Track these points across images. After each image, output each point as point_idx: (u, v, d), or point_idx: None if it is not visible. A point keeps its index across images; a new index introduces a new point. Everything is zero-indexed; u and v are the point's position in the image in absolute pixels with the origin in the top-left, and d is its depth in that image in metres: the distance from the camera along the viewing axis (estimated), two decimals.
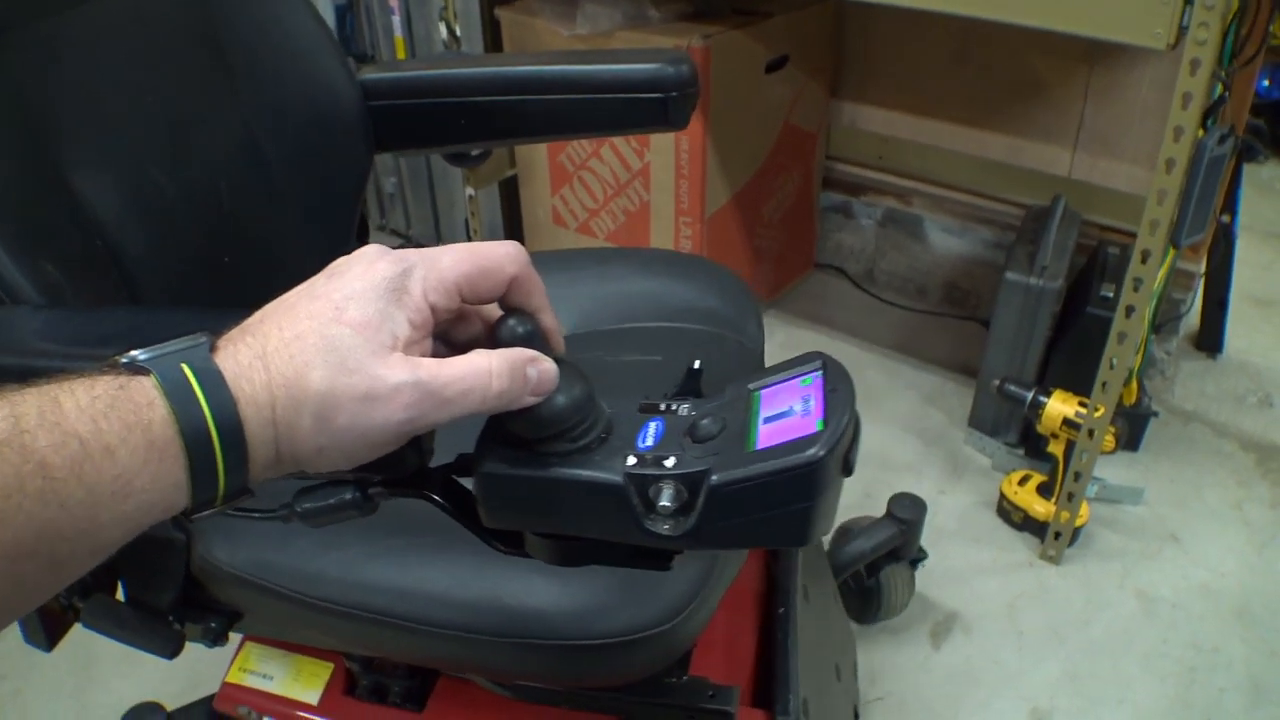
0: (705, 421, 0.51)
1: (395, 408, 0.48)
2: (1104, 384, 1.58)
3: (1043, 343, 1.90)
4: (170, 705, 1.29)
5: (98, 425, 0.43)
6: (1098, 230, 2.14)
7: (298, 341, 0.48)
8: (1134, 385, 1.93)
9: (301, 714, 1.16)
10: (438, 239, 2.77)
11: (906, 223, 2.50)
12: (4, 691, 1.68)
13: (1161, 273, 1.46)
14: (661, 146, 2.11)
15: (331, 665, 1.17)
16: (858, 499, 1.88)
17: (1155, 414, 2.01)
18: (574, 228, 2.43)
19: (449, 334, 0.56)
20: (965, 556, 1.78)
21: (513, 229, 2.62)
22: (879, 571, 1.57)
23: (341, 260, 0.53)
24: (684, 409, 0.53)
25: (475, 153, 1.40)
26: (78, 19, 0.97)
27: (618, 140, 2.18)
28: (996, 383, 1.81)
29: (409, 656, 1.00)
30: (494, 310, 0.56)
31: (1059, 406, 1.72)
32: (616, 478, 0.49)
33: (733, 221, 2.26)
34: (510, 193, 2.57)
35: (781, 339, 2.42)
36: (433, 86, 1.21)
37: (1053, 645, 1.63)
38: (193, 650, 1.00)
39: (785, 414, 0.50)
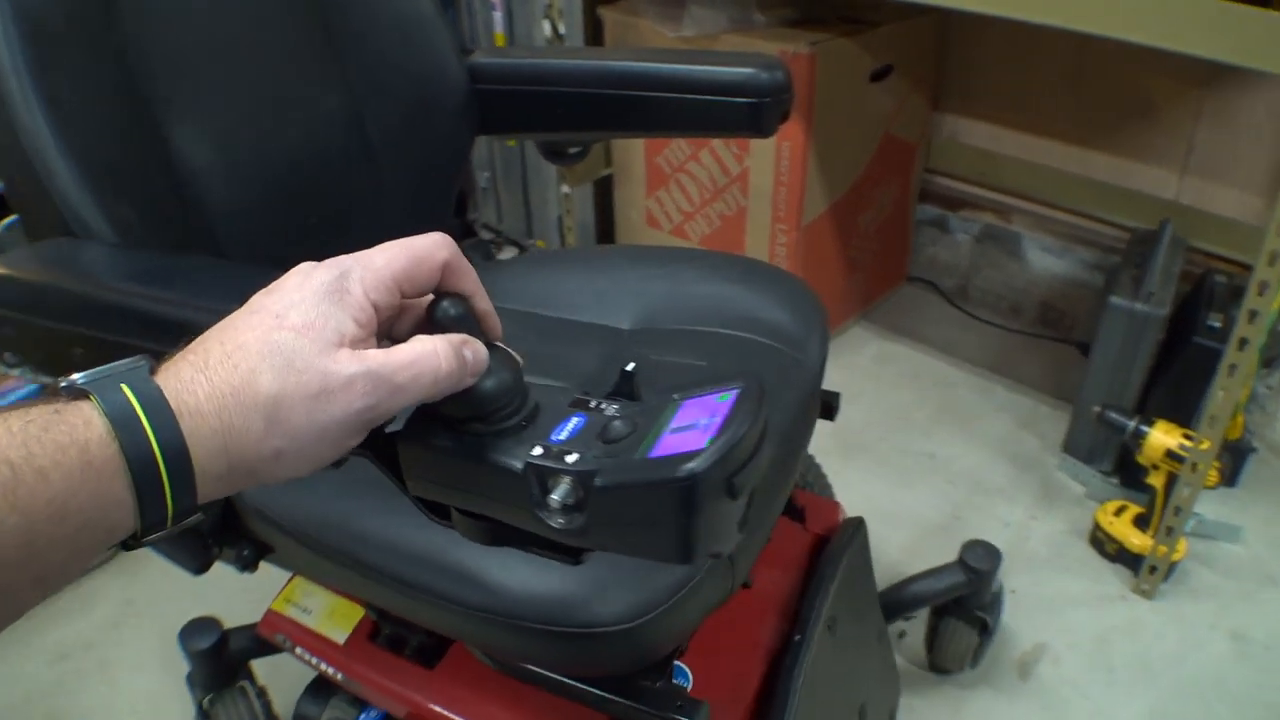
0: (618, 423, 0.51)
1: (351, 399, 0.48)
2: (1211, 417, 1.53)
3: (1144, 371, 1.85)
4: None
5: (29, 450, 0.42)
6: (1203, 257, 2.08)
7: (240, 351, 0.48)
8: (1239, 419, 1.87)
9: (327, 650, 1.22)
10: (529, 236, 2.77)
11: (1004, 240, 2.45)
12: (90, 661, 1.71)
13: (1275, 304, 1.41)
14: (762, 152, 2.09)
15: (362, 611, 1.22)
16: (946, 519, 1.85)
17: (1255, 450, 1.95)
18: (668, 230, 2.42)
19: (391, 332, 0.56)
20: (1056, 586, 1.74)
21: (606, 229, 2.62)
22: (941, 619, 1.52)
23: (277, 280, 0.53)
24: (610, 409, 0.53)
25: (573, 150, 1.41)
26: None
27: (717, 144, 2.16)
28: (1097, 409, 1.76)
29: (404, 614, 1.02)
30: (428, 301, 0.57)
31: (1162, 437, 1.67)
32: (518, 465, 0.50)
33: (829, 231, 2.23)
34: (605, 193, 2.57)
35: (873, 352, 2.39)
36: (536, 75, 1.25)
37: (1143, 682, 1.58)
38: None
39: (690, 427, 0.49)
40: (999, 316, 2.51)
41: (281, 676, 1.34)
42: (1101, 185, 2.24)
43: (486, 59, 1.28)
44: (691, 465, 0.46)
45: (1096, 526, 1.80)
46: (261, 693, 1.41)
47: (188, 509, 0.47)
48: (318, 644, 1.24)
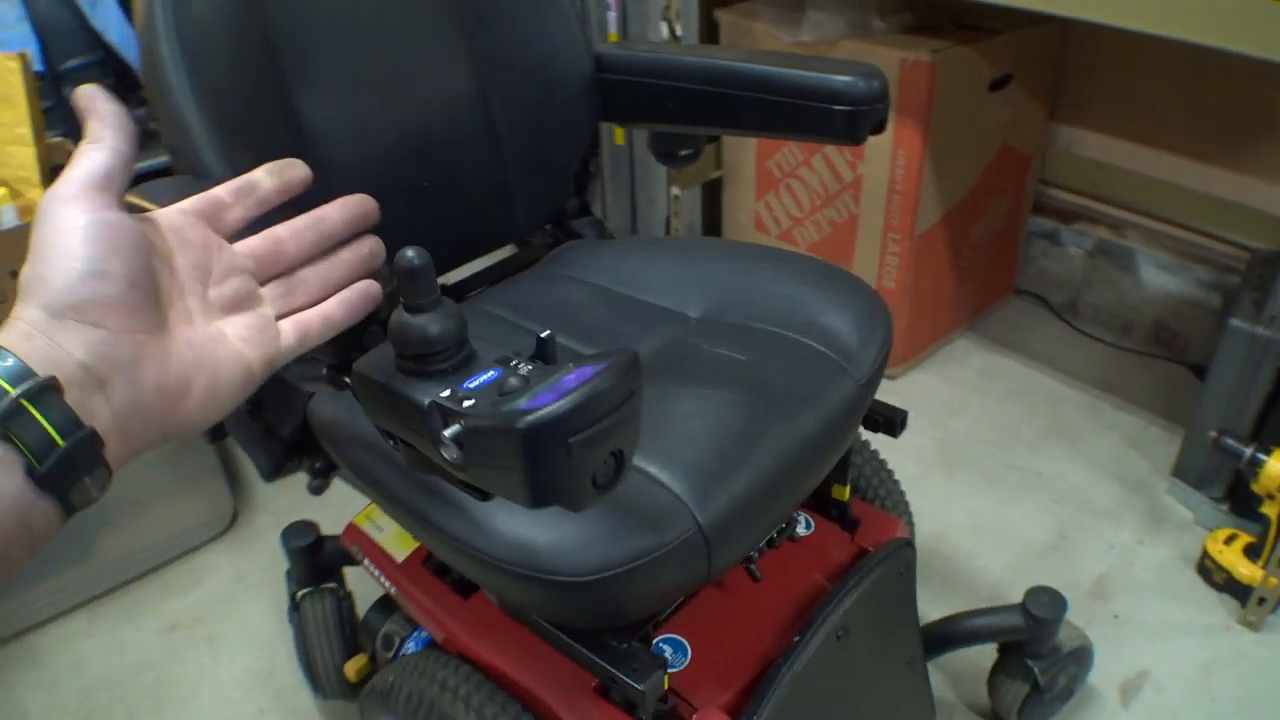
0: (513, 380, 0.56)
1: None
2: None
3: (1263, 397, 1.80)
4: None
5: None
6: None
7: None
8: None
9: (387, 566, 1.34)
10: (633, 234, 2.79)
11: (1118, 255, 2.40)
12: (199, 634, 1.78)
13: None
14: (877, 160, 2.08)
15: None
16: (1053, 539, 1.83)
17: None
18: (775, 234, 2.42)
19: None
20: (1160, 612, 1.71)
21: (712, 232, 2.63)
22: (997, 663, 1.49)
23: None
24: (524, 369, 0.58)
25: (684, 153, 1.43)
26: None
27: (830, 150, 2.15)
28: (1212, 434, 1.72)
29: (426, 544, 1.10)
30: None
31: None
32: (424, 401, 0.56)
33: (941, 241, 2.21)
34: (712, 196, 2.58)
35: (979, 364, 2.37)
36: (655, 68, 1.30)
37: (1245, 715, 1.54)
38: None
39: (558, 389, 0.54)
40: (1110, 334, 2.47)
41: (370, 589, 1.43)
42: (1221, 202, 2.18)
43: (612, 50, 1.35)
44: (528, 419, 0.51)
45: (1205, 554, 1.77)
46: (346, 596, 1.54)
47: (71, 422, 0.46)
48: (381, 559, 1.35)
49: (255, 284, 0.59)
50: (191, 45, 1.00)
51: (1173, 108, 2.18)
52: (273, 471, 1.19)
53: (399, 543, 1.36)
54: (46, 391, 0.45)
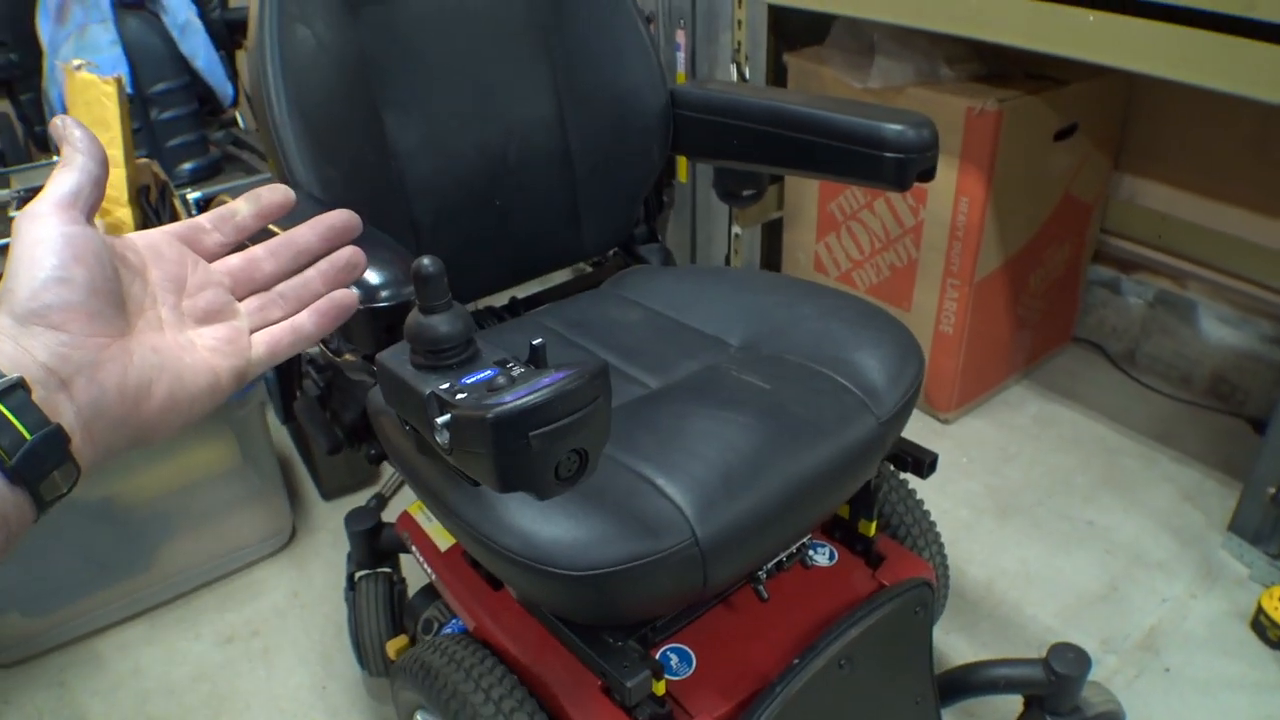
0: (503, 379, 0.62)
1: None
2: None
3: None
4: None
5: None
6: None
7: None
8: None
9: (430, 554, 1.40)
10: None
11: (1179, 306, 2.39)
12: (255, 647, 1.81)
13: None
14: (939, 205, 2.09)
15: None
16: (1104, 589, 1.83)
17: None
18: (834, 276, 2.44)
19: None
20: (1212, 668, 1.70)
21: (771, 270, 2.64)
22: (1024, 715, 1.44)
23: None
24: (516, 370, 0.64)
25: (747, 193, 1.47)
26: (416, 3, 1.26)
27: (894, 195, 2.17)
28: (1271, 490, 1.72)
29: (450, 530, 1.12)
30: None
31: None
32: (424, 390, 0.62)
33: (1000, 287, 2.22)
34: (772, 236, 2.60)
35: (1033, 412, 2.36)
36: (726, 107, 1.37)
37: None
38: None
39: (533, 389, 0.59)
40: (1168, 385, 2.45)
41: (423, 578, 1.47)
42: None
43: (687, 88, 1.43)
44: (495, 411, 0.57)
45: (1260, 611, 1.75)
46: (400, 581, 1.62)
47: (38, 418, 0.48)
48: (427, 547, 1.41)
49: (230, 298, 0.62)
50: (292, 66, 1.11)
51: (1238, 161, 2.17)
52: (332, 450, 1.29)
53: (443, 533, 1.41)
54: (14, 390, 0.47)
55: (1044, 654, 1.35)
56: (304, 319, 0.64)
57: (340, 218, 0.65)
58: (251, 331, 0.62)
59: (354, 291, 0.66)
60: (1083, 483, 2.12)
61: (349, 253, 0.65)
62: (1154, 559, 1.91)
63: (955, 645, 1.72)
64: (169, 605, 1.91)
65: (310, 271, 0.65)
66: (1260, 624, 1.75)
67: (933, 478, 1.33)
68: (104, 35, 2.03)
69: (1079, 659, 1.36)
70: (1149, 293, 2.45)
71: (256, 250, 0.64)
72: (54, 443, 0.48)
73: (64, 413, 0.50)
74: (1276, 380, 2.22)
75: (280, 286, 0.64)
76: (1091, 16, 1.58)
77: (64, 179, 0.54)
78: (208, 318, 0.60)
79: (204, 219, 0.63)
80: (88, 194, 0.54)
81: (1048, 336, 2.53)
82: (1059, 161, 2.17)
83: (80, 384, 0.50)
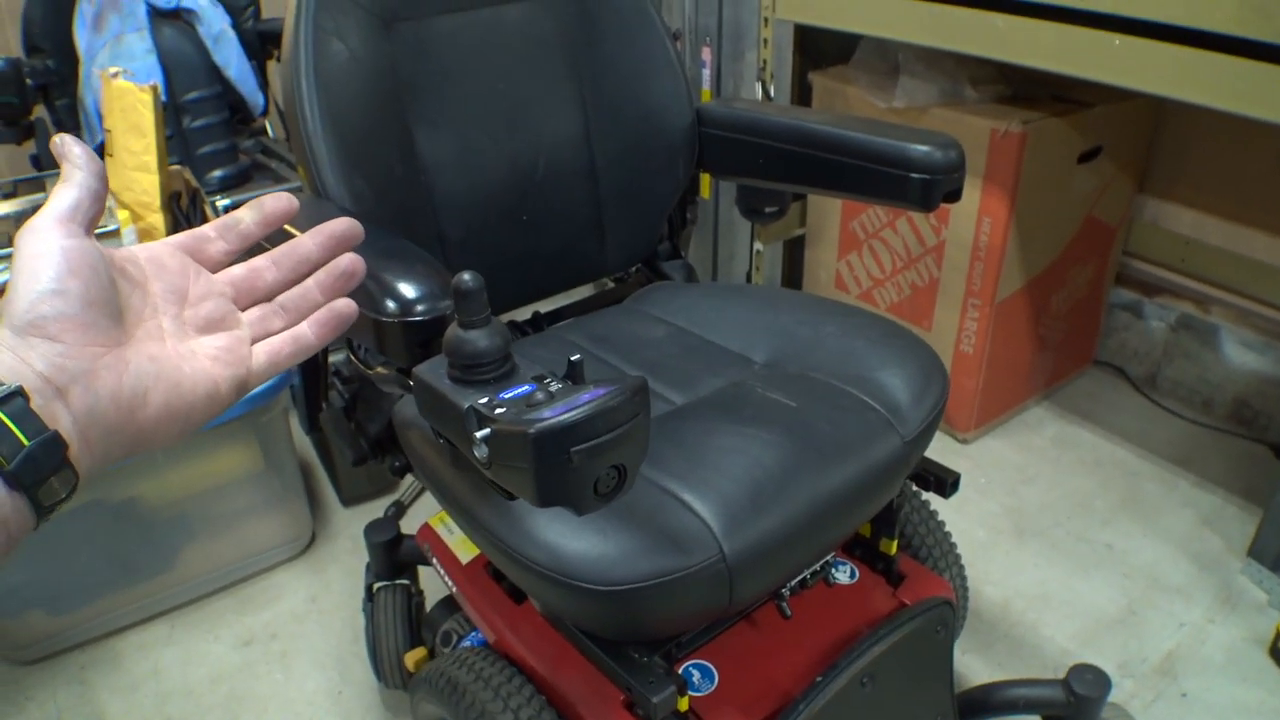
0: (541, 395, 0.63)
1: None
2: None
3: None
4: None
5: None
6: None
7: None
8: None
9: (452, 567, 1.40)
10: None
11: (1201, 331, 2.39)
12: (273, 651, 1.82)
13: None
14: (961, 225, 2.10)
15: None
16: (1121, 613, 1.82)
17: None
18: (855, 294, 2.45)
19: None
20: (1230, 694, 1.69)
21: (791, 288, 2.65)
22: None
23: None
24: (554, 386, 0.65)
25: (769, 210, 1.48)
26: (448, 20, 1.29)
27: (916, 214, 2.18)
28: None
29: (477, 544, 1.14)
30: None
31: None
32: (463, 404, 0.63)
33: (1022, 309, 2.22)
34: (794, 253, 2.61)
35: (1052, 434, 2.36)
36: (751, 126, 1.38)
37: None
38: None
39: (572, 405, 0.60)
40: (1189, 409, 2.45)
41: (441, 590, 1.50)
42: None
43: (712, 106, 1.44)
44: (537, 426, 0.58)
45: (1278, 637, 1.74)
46: (418, 593, 1.64)
47: (36, 425, 0.49)
48: (448, 559, 1.42)
49: (232, 307, 0.63)
50: (326, 79, 1.14)
51: (1263, 185, 2.17)
52: (357, 461, 1.29)
53: (465, 546, 1.42)
54: (13, 398, 0.49)
55: (1063, 675, 1.35)
56: (304, 329, 0.64)
57: (341, 226, 0.66)
58: (253, 341, 0.63)
59: (353, 302, 0.66)
60: (1101, 506, 2.11)
61: (347, 261, 0.66)
62: (1172, 583, 1.91)
63: (971, 665, 1.72)
64: (189, 606, 1.92)
65: (309, 281, 0.65)
66: (1278, 650, 1.74)
67: (950, 498, 1.33)
68: (139, 44, 2.06)
69: (1099, 680, 1.36)
70: (1171, 316, 2.44)
71: (259, 260, 0.65)
72: (52, 449, 0.49)
73: (61, 420, 0.51)
74: None
75: (281, 297, 0.65)
76: (1117, 40, 1.59)
77: (64, 194, 0.55)
78: (209, 327, 0.61)
79: (209, 228, 0.64)
80: (87, 208, 0.55)
81: (1069, 358, 2.52)
82: (1083, 184, 2.17)
83: (76, 392, 0.52)
